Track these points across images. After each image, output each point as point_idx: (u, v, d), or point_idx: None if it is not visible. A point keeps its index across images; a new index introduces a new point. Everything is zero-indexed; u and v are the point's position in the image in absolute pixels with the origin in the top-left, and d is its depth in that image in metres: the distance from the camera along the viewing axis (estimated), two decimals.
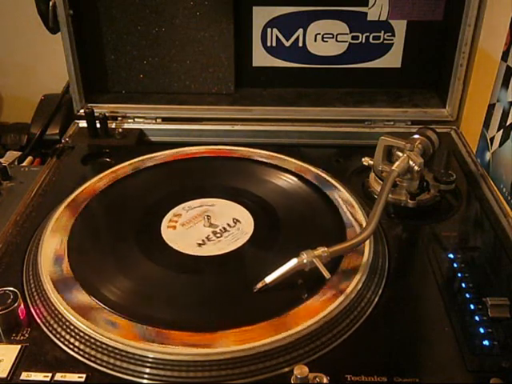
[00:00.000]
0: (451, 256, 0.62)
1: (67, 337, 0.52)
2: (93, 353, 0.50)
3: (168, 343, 0.50)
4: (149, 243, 0.65)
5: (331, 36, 0.94)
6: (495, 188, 0.75)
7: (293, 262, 0.55)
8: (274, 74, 0.98)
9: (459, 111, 0.92)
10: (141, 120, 0.94)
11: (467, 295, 0.56)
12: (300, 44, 0.95)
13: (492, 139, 0.78)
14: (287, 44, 0.95)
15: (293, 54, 0.96)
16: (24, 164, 0.92)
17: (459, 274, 0.59)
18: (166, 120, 0.94)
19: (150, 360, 0.49)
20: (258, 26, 0.94)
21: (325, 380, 0.46)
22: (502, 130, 0.75)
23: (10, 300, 0.53)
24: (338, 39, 0.94)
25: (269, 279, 0.55)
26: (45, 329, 0.53)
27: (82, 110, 0.93)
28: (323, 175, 0.75)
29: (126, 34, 0.93)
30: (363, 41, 0.94)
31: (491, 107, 0.79)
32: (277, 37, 0.95)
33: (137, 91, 0.98)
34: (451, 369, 0.49)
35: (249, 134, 0.92)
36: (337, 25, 0.93)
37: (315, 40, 0.94)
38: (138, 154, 0.81)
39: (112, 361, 0.49)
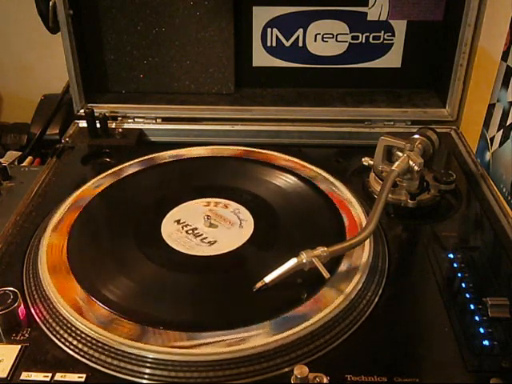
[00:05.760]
0: (451, 256, 0.62)
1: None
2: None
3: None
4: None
5: (331, 36, 0.94)
6: (495, 188, 0.75)
7: (292, 262, 0.55)
8: (274, 74, 0.98)
9: (459, 111, 0.92)
10: (141, 120, 0.94)
11: (467, 295, 0.56)
12: (300, 44, 0.95)
13: (492, 139, 0.78)
14: (287, 44, 0.95)
15: (293, 54, 0.96)
16: (24, 164, 0.92)
17: (459, 274, 0.59)
18: (165, 120, 0.94)
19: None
20: (258, 25, 0.94)
21: (325, 380, 0.46)
22: (501, 130, 0.75)
23: (10, 300, 0.53)
24: (338, 39, 0.94)
25: (268, 279, 0.55)
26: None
27: (82, 110, 0.93)
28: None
29: (126, 34, 0.93)
30: (363, 41, 0.94)
31: (491, 107, 0.79)
32: (277, 37, 0.95)
33: (137, 91, 0.98)
34: (451, 369, 0.49)
35: (249, 134, 0.92)
36: (337, 25, 0.93)
37: (315, 40, 0.94)
38: (138, 154, 0.81)
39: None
